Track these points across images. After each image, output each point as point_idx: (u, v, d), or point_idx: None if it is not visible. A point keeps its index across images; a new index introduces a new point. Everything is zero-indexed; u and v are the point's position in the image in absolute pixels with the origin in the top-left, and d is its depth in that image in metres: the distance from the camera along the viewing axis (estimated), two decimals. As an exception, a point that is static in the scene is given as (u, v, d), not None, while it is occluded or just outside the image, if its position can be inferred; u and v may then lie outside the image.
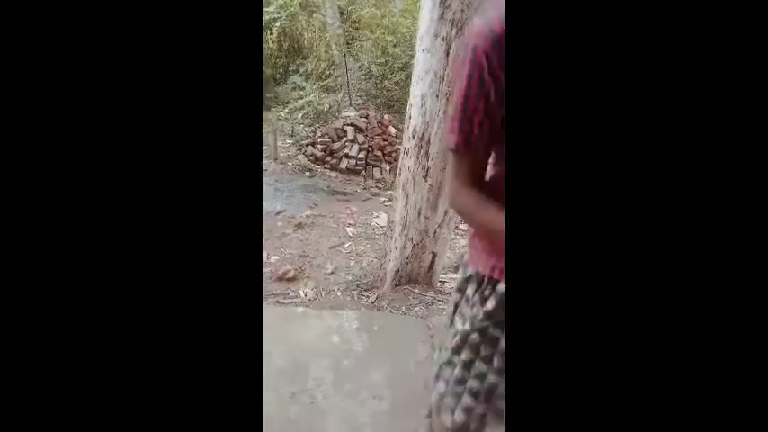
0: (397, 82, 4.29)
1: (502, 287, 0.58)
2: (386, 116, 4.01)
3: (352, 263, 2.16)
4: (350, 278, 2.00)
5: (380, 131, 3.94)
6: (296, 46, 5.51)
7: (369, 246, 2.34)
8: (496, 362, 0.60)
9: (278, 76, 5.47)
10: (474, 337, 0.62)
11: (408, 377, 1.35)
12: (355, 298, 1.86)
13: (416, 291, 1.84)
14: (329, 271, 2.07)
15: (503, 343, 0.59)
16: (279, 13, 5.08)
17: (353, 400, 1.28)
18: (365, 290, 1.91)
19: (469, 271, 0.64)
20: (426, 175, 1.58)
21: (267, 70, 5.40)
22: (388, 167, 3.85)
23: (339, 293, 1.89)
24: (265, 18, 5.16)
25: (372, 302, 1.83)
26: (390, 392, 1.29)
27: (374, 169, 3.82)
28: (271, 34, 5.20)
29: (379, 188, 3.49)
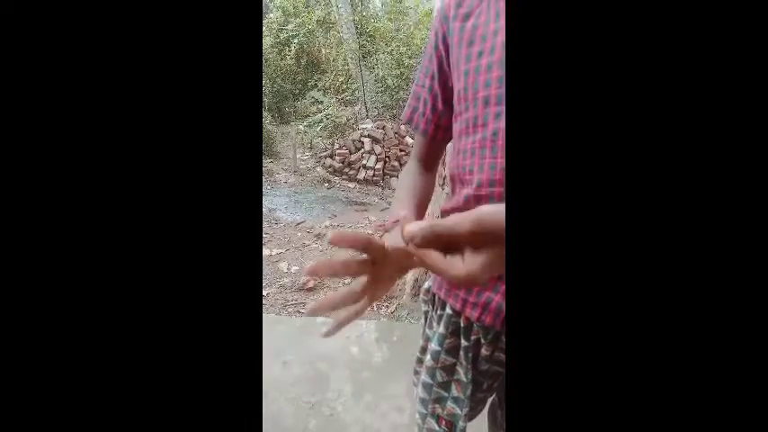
0: (412, 92, 4.32)
1: (449, 310, 0.54)
2: (402, 127, 4.04)
3: (370, 273, 2.15)
4: (369, 288, 2.00)
5: (397, 142, 3.96)
6: (314, 62, 5.67)
7: (387, 255, 2.33)
8: (454, 389, 0.56)
9: (297, 91, 5.63)
10: (428, 361, 0.57)
11: (429, 389, 1.32)
12: (374, 308, 1.85)
13: (436, 300, 1.81)
14: (348, 281, 2.07)
15: (460, 371, 0.55)
16: (297, 30, 5.26)
17: (374, 411, 1.26)
18: (384, 300, 1.90)
19: (429, 283, 0.61)
20: (443, 184, 1.57)
21: (286, 86, 5.57)
22: (405, 177, 3.85)
23: (358, 303, 1.89)
24: (284, 36, 5.36)
25: (391, 313, 1.81)
26: (410, 404, 1.26)
27: (392, 179, 3.84)
28: (289, 51, 5.38)
29: (397, 198, 3.50)
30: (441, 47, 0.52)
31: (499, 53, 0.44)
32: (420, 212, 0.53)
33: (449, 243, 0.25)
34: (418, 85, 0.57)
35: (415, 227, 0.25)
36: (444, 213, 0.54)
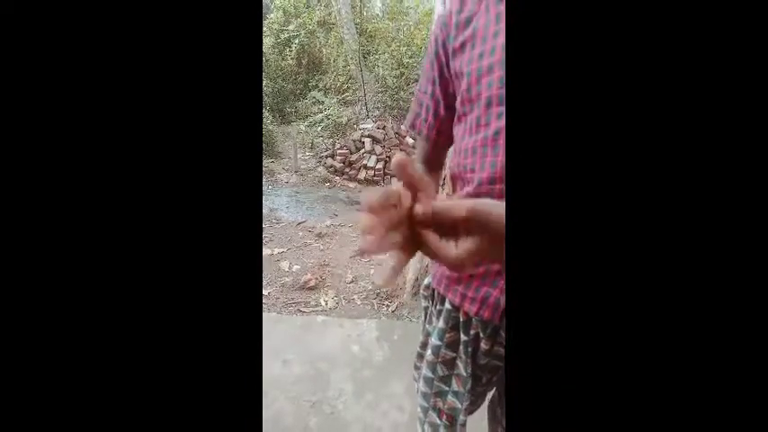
0: (412, 92, 4.32)
1: (448, 305, 0.55)
2: (402, 126, 4.04)
3: (371, 272, 2.16)
4: (370, 287, 2.00)
5: (398, 142, 3.96)
6: (315, 62, 5.68)
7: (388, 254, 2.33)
8: (454, 383, 0.57)
9: (298, 91, 5.63)
10: (429, 355, 0.58)
11: (430, 388, 1.32)
12: (375, 307, 1.86)
13: (437, 300, 1.81)
14: (349, 280, 2.08)
15: (459, 365, 0.56)
16: (298, 31, 5.27)
17: (374, 410, 1.26)
18: (385, 299, 1.90)
19: (428, 279, 0.62)
20: (443, 184, 1.58)
21: (287, 86, 5.58)
22: (406, 177, 3.85)
23: (359, 302, 1.89)
24: (285, 36, 5.36)
25: (392, 311, 1.82)
26: (411, 403, 1.26)
27: (392, 179, 3.83)
28: (290, 51, 5.39)
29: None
30: (441, 52, 0.52)
31: (500, 54, 0.45)
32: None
33: (446, 225, 0.26)
34: (421, 90, 0.58)
35: (421, 206, 0.26)
36: None
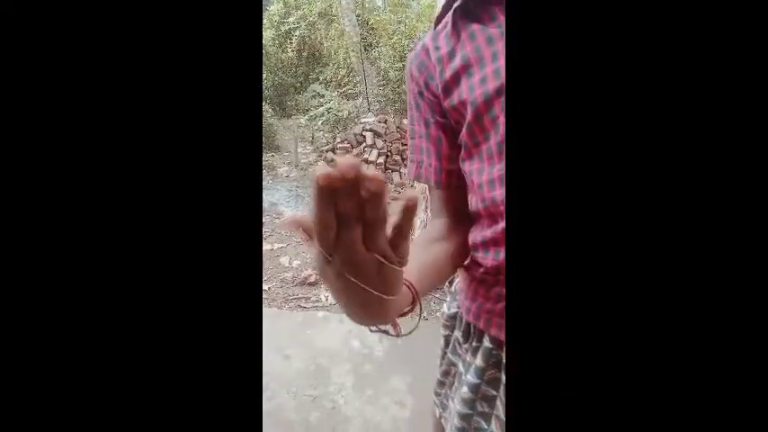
0: (415, 86, 4.30)
1: (487, 343, 0.50)
2: (404, 120, 4.02)
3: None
4: (370, 282, 2.00)
5: (399, 136, 3.94)
6: (316, 54, 5.64)
7: (389, 250, 2.33)
8: (494, 425, 0.52)
9: (298, 84, 5.60)
10: (465, 393, 0.54)
11: (430, 383, 1.32)
12: (376, 302, 1.86)
13: (437, 295, 1.82)
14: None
15: (500, 407, 0.51)
16: (298, 23, 5.22)
17: (375, 405, 1.26)
18: (385, 294, 1.90)
19: (454, 308, 0.57)
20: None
21: (288, 79, 5.55)
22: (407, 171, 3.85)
23: (359, 298, 1.89)
24: (285, 28, 5.32)
25: (393, 307, 1.82)
26: (412, 399, 1.27)
27: (393, 174, 3.83)
28: (291, 44, 5.35)
29: (399, 192, 3.49)
30: (426, 93, 0.49)
31: (505, 75, 0.42)
32: (426, 287, 0.45)
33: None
34: (416, 136, 0.53)
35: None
36: (475, 247, 0.49)
